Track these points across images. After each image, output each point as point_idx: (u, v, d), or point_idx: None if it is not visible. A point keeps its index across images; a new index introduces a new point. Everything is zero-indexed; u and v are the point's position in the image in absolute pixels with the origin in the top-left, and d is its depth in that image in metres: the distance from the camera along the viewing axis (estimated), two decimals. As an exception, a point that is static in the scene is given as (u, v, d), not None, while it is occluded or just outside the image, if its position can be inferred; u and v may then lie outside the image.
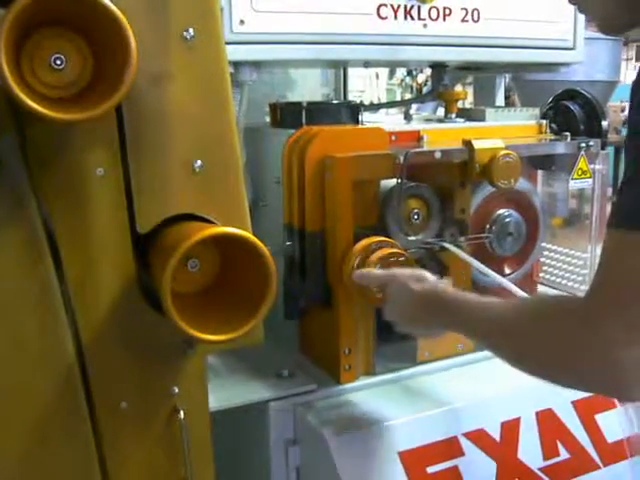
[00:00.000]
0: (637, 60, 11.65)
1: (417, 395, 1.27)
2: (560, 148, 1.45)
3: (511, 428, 1.23)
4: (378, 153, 1.24)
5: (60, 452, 0.96)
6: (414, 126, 1.42)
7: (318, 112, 1.35)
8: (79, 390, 0.96)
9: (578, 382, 0.87)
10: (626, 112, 6.55)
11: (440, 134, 1.42)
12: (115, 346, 0.97)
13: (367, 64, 1.65)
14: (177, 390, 0.99)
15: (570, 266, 1.56)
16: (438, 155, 1.27)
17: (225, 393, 1.19)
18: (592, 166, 1.45)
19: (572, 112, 1.60)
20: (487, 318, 0.93)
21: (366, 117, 1.43)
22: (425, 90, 3.93)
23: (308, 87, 2.17)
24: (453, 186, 1.32)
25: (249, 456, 1.29)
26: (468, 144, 1.29)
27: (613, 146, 6.30)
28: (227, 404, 1.17)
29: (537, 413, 1.26)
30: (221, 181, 0.97)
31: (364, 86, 5.42)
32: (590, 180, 1.46)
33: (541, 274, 1.62)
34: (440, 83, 1.66)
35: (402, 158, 1.23)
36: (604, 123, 1.58)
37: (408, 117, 1.65)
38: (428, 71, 6.40)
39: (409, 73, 7.13)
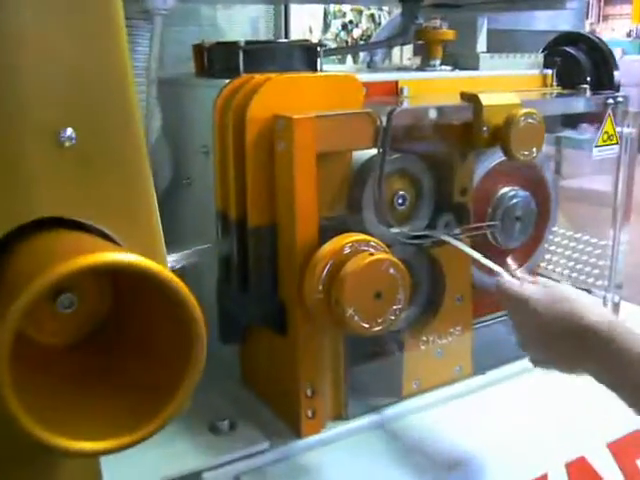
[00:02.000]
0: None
1: (409, 449, 0.91)
2: (580, 105, 1.10)
3: (537, 492, 0.90)
4: (353, 112, 0.86)
5: None
6: (390, 76, 1.04)
7: (261, 55, 0.97)
8: None
9: None
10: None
11: (424, 86, 1.06)
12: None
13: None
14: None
15: (583, 255, 1.23)
16: (433, 114, 0.91)
17: (136, 465, 0.81)
18: (623, 129, 1.11)
19: (577, 60, 1.26)
20: None
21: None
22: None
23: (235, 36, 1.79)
24: (451, 158, 0.96)
25: None
26: (473, 99, 0.93)
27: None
28: (140, 484, 0.80)
29: (567, 465, 0.93)
30: (109, 162, 0.58)
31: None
32: (616, 147, 1.12)
33: (542, 263, 1.29)
34: (413, 22, 1.29)
35: (384, 119, 0.86)
36: (616, 74, 1.26)
37: (372, 65, 1.28)
38: (364, 25, 6.04)
39: (344, 27, 6.77)
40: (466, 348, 1.04)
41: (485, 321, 1.11)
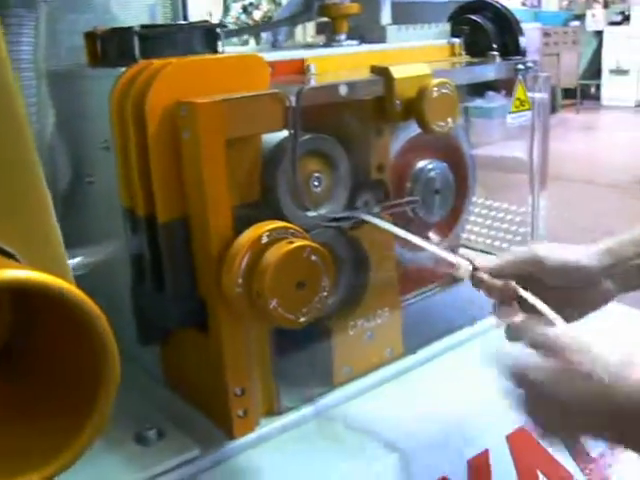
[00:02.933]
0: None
1: (346, 438, 0.88)
2: (491, 72, 1.08)
3: (480, 466, 0.89)
4: (261, 93, 0.81)
5: None
6: (295, 54, 1.00)
7: (158, 39, 0.91)
8: None
9: None
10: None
11: (331, 62, 1.02)
12: None
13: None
14: None
15: (503, 223, 1.22)
16: (344, 90, 0.87)
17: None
18: (534, 94, 1.10)
19: (482, 27, 1.25)
20: None
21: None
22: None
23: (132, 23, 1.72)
24: (365, 134, 0.93)
25: None
26: (384, 72, 0.90)
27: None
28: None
29: (508, 437, 0.93)
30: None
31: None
32: (529, 113, 1.11)
33: (464, 235, 1.28)
34: (316, -3, 1.25)
35: (293, 98, 0.82)
36: (522, 39, 1.25)
37: (277, 45, 1.24)
38: (264, 7, 6.01)
39: (244, 10, 6.68)
40: (396, 329, 1.01)
41: (410, 298, 1.09)
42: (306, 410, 0.92)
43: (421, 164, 1.04)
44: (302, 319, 0.78)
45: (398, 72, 0.89)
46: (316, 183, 0.90)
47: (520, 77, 1.08)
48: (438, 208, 1.06)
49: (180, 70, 0.79)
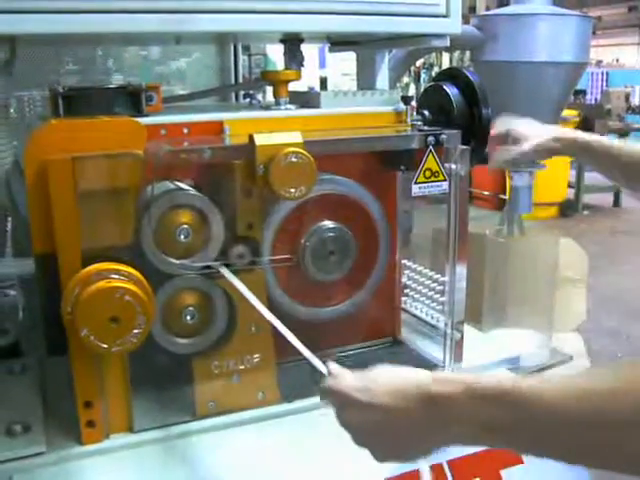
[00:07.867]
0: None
1: (191, 464, 0.99)
2: (394, 142, 1.13)
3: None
4: (116, 153, 0.95)
5: None
6: (215, 115, 1.12)
7: (78, 100, 1.08)
8: None
9: None
10: (632, 98, 7.12)
11: (251, 125, 1.12)
12: None
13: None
14: None
15: (431, 291, 1.24)
16: (207, 154, 0.98)
17: None
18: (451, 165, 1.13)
19: (448, 96, 1.28)
20: None
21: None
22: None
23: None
24: (235, 195, 1.03)
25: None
26: (250, 139, 1.00)
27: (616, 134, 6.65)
28: None
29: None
30: None
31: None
32: (444, 184, 1.13)
33: (404, 298, 1.30)
34: (295, 61, 1.36)
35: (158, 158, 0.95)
36: (485, 111, 1.25)
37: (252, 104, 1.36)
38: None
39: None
40: (269, 375, 1.09)
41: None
42: (162, 433, 1.04)
43: (316, 225, 1.12)
44: (115, 349, 0.91)
45: (261, 140, 0.99)
46: (184, 235, 1.02)
47: (431, 148, 1.11)
48: (333, 268, 1.13)
49: (52, 131, 0.95)
